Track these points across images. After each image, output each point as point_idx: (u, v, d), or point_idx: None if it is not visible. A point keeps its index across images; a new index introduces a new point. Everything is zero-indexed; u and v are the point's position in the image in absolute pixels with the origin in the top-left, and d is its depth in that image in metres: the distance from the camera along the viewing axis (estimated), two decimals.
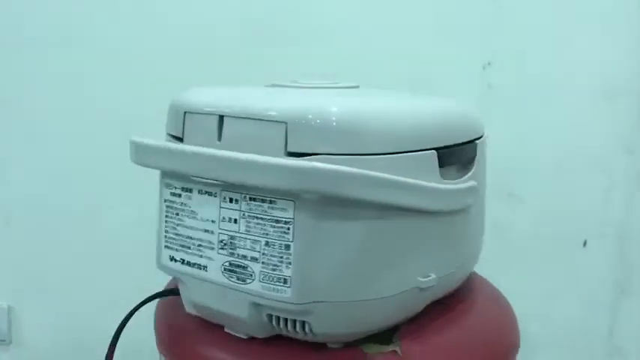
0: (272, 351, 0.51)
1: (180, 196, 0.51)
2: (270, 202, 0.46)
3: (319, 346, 0.51)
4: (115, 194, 0.99)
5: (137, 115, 0.89)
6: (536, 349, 0.94)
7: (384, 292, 0.49)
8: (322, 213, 0.45)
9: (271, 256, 0.47)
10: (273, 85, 0.57)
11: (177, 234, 0.52)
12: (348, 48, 0.92)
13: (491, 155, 0.60)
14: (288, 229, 0.46)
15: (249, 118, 0.48)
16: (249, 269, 0.48)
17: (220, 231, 0.49)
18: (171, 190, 0.52)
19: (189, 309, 0.54)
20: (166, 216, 0.53)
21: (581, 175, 0.92)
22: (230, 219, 0.48)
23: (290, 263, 0.46)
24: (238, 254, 0.48)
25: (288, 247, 0.46)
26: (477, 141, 0.58)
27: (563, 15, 0.90)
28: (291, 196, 0.45)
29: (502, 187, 0.73)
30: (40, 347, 1.03)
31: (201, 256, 0.50)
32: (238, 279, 0.48)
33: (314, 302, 0.47)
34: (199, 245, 0.50)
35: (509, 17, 0.90)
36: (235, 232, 0.48)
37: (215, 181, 0.48)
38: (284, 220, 0.46)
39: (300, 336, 0.49)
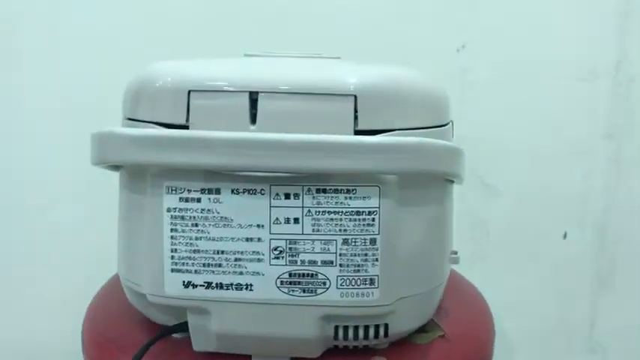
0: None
1: (198, 200, 0.39)
2: (348, 190, 0.39)
3: (367, 350, 0.45)
4: (62, 191, 0.82)
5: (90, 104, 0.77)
6: (515, 346, 0.93)
7: (445, 276, 0.45)
8: (403, 197, 0.40)
9: (352, 255, 0.39)
10: (251, 55, 0.48)
11: (195, 251, 0.39)
12: (315, 26, 0.82)
13: (465, 143, 0.60)
14: (373, 220, 0.39)
15: (296, 93, 0.39)
16: (320, 276, 0.39)
17: (273, 236, 0.39)
18: (179, 195, 0.39)
19: (202, 346, 0.42)
20: (173, 230, 0.40)
21: (559, 162, 0.87)
22: (287, 219, 0.39)
23: (377, 260, 0.39)
24: (303, 261, 0.39)
25: (373, 241, 0.39)
26: None
27: None
28: (375, 181, 0.39)
29: (479, 178, 0.72)
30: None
31: (241, 273, 0.39)
32: (305, 291, 0.39)
33: (399, 299, 0.41)
34: (237, 260, 0.39)
35: None
36: (297, 234, 0.39)
37: (264, 173, 0.38)
38: (367, 210, 0.39)
39: (370, 343, 0.43)
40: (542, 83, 0.86)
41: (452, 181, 0.45)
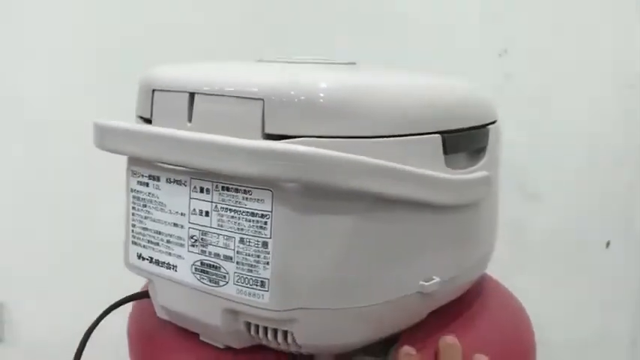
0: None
1: (147, 185, 0.45)
2: (245, 191, 0.40)
3: (305, 359, 0.44)
4: (107, 190, 0.94)
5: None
6: (554, 358, 0.85)
7: (379, 298, 0.42)
8: (305, 205, 0.39)
9: (247, 255, 0.40)
10: (259, 61, 0.51)
11: (144, 228, 0.45)
12: (357, 34, 0.85)
13: (508, 150, 0.54)
14: (265, 223, 0.39)
15: (221, 95, 0.41)
16: (222, 270, 0.41)
17: (191, 225, 0.43)
18: (138, 179, 0.46)
19: (160, 313, 0.48)
20: (133, 208, 0.46)
21: (604, 170, 0.85)
22: (201, 211, 0.42)
23: (268, 263, 0.40)
24: (210, 252, 0.42)
25: (265, 244, 0.39)
26: (490, 126, 0.51)
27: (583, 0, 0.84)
28: (268, 184, 0.39)
29: (520, 184, 0.66)
30: (33, 346, 0.97)
31: (170, 254, 0.44)
32: (211, 281, 0.42)
33: (297, 309, 0.40)
34: (168, 242, 0.44)
35: (525, 1, 0.84)
36: (207, 226, 0.42)
37: (183, 168, 0.42)
38: (260, 213, 0.39)
39: (282, 347, 0.43)
40: (586, 89, 0.81)
41: (396, 202, 0.41)
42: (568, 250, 0.86)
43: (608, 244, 0.88)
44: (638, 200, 0.87)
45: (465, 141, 0.47)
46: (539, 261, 0.85)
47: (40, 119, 0.94)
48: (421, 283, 0.44)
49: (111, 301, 0.55)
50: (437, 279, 0.45)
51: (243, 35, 0.87)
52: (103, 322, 0.49)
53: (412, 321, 0.46)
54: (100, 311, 0.50)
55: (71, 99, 0.93)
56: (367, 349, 0.45)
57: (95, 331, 0.48)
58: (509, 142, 0.61)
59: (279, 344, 0.42)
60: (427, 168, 0.43)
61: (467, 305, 0.53)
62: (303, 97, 0.39)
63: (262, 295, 0.40)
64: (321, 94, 0.39)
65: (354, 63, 0.53)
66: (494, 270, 0.58)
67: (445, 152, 0.44)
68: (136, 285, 0.54)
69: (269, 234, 0.39)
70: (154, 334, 0.49)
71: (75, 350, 0.49)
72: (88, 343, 0.49)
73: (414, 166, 0.42)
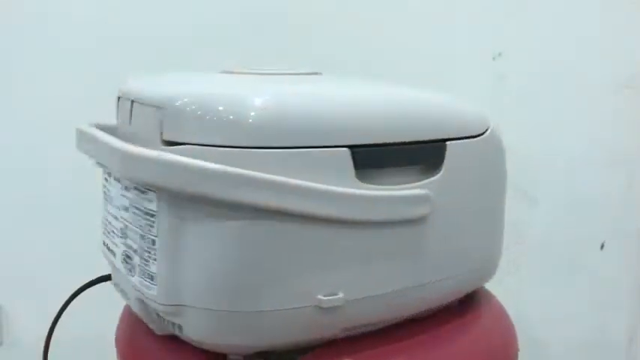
0: (173, 349, 0.48)
1: (106, 180, 0.51)
2: (142, 191, 0.43)
3: (218, 356, 0.46)
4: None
5: None
6: (550, 357, 0.88)
7: (266, 306, 0.42)
8: (188, 209, 0.41)
9: (144, 249, 0.44)
10: (222, 72, 0.53)
11: (106, 219, 0.52)
12: (354, 40, 0.86)
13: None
14: (154, 222, 0.42)
15: (142, 103, 0.46)
16: (132, 261, 0.46)
17: (120, 219, 0.47)
18: (104, 176, 0.52)
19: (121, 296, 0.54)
20: (103, 199, 0.53)
21: (598, 171, 0.85)
22: (125, 207, 0.47)
23: (155, 260, 0.43)
24: (128, 244, 0.46)
25: (153, 242, 0.43)
26: (452, 142, 0.47)
27: (577, 2, 0.84)
28: (154, 187, 0.42)
29: (515, 186, 0.60)
30: (33, 348, 0.98)
31: (113, 243, 0.50)
32: (129, 270, 0.46)
33: (181, 305, 0.42)
34: (111, 231, 0.50)
35: (519, 4, 0.84)
36: (127, 220, 0.46)
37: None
38: (151, 212, 0.43)
39: (182, 336, 0.45)
40: (581, 91, 0.82)
41: (286, 214, 0.41)
42: (563, 251, 0.87)
43: (602, 245, 0.88)
44: (632, 202, 0.86)
45: (391, 156, 0.44)
46: (534, 262, 0.85)
47: (40, 119, 0.93)
48: (320, 297, 0.43)
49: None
50: (340, 295, 0.43)
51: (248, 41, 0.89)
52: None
53: (316, 334, 0.45)
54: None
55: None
56: (278, 354, 0.46)
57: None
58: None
59: (183, 336, 0.45)
60: (333, 181, 0.42)
61: (427, 328, 0.50)
62: (193, 107, 0.41)
63: (153, 288, 0.43)
64: (206, 103, 0.41)
65: (317, 73, 0.53)
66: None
67: (356, 167, 0.43)
68: None
69: (156, 232, 0.42)
70: (139, 339, 0.52)
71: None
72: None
73: (316, 179, 0.41)
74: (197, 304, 0.42)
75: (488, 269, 0.55)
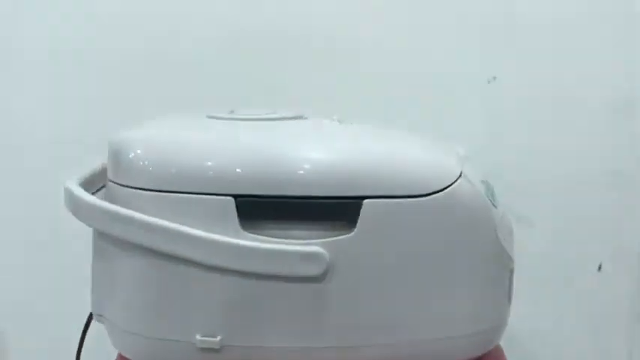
0: None
1: None
2: None
3: None
4: None
5: None
6: None
7: (153, 332, 0.48)
8: (103, 241, 0.50)
9: None
10: (208, 117, 0.56)
11: None
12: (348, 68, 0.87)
13: (499, 175, 0.57)
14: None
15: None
16: None
17: None
18: None
19: None
20: None
21: (595, 193, 0.87)
22: None
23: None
24: None
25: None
26: (370, 200, 0.47)
27: (572, 25, 0.85)
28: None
29: (510, 209, 0.57)
30: None
31: None
32: None
33: (103, 316, 0.53)
34: None
35: (514, 28, 0.86)
36: None
37: None
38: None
39: None
40: (575, 113, 0.85)
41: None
42: (559, 274, 0.89)
43: (600, 267, 0.89)
44: (629, 222, 0.88)
45: (284, 208, 0.46)
46: (531, 285, 0.82)
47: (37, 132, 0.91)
48: (197, 336, 0.47)
49: None
50: (217, 339, 0.46)
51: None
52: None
53: None
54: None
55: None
56: None
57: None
58: (498, 165, 0.67)
59: None
60: (217, 229, 0.45)
61: None
62: (113, 149, 0.49)
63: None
64: (122, 150, 0.49)
65: (301, 117, 0.55)
66: None
67: (240, 216, 0.46)
68: None
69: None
70: None
71: None
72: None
73: (200, 225, 0.45)
74: (111, 319, 0.51)
75: (472, 341, 0.51)
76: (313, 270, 0.46)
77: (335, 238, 0.46)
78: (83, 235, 0.51)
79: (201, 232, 0.45)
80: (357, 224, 0.46)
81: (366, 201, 0.46)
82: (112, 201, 0.48)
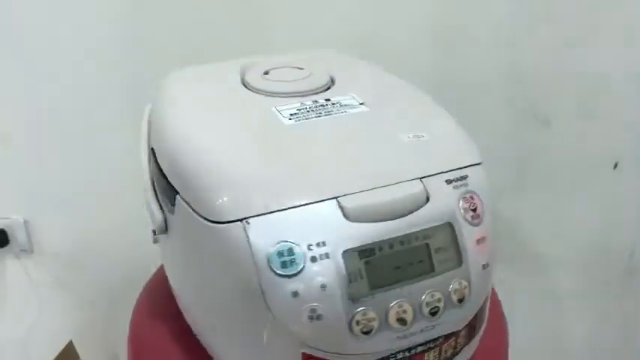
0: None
1: None
2: None
3: None
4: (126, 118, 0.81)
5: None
6: (556, 267, 0.94)
7: None
8: None
9: None
10: (245, 86, 0.57)
11: None
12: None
13: (523, 82, 0.67)
14: None
15: None
16: None
17: None
18: None
19: None
20: None
21: (613, 93, 0.85)
22: None
23: None
24: None
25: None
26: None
27: None
28: None
29: (529, 112, 0.71)
30: (59, 254, 1.02)
31: None
32: None
33: None
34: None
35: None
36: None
37: None
38: None
39: None
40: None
41: None
42: (576, 172, 0.88)
43: (616, 165, 0.88)
44: None
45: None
46: (547, 184, 0.88)
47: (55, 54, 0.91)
48: None
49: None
50: None
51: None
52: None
53: None
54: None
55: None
56: None
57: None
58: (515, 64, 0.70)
59: None
60: None
61: None
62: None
63: None
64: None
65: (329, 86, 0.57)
66: (506, 197, 0.65)
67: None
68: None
69: None
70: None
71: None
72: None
73: None
74: None
75: None
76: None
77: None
78: None
79: None
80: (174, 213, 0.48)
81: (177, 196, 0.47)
82: None
